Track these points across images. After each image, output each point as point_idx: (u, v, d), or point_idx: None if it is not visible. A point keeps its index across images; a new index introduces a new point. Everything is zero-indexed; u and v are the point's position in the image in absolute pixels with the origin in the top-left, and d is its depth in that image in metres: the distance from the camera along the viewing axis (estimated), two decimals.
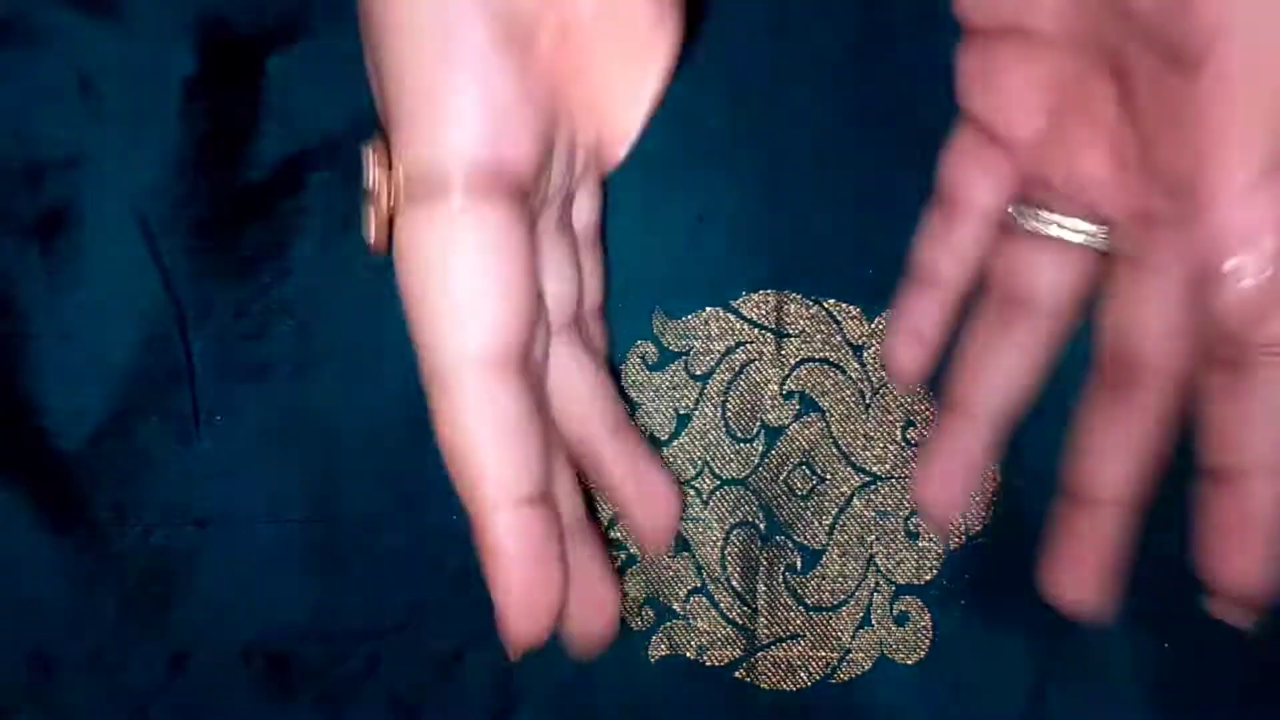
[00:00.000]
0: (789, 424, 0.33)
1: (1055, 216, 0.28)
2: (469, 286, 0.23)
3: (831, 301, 0.32)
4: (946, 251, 0.29)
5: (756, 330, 0.32)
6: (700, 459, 0.33)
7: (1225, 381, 0.26)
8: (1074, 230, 0.28)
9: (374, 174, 0.24)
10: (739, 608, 0.32)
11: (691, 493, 0.33)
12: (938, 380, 0.32)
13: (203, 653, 0.32)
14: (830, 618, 0.32)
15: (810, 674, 0.32)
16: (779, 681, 0.32)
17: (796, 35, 0.32)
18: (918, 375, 0.30)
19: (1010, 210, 0.29)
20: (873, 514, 0.32)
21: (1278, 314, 0.24)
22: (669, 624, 0.33)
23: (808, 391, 0.33)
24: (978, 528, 0.32)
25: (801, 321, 0.32)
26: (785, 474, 0.33)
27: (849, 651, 0.32)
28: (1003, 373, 0.30)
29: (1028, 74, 0.27)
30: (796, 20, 0.32)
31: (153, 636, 0.32)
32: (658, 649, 0.33)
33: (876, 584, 0.32)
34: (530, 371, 0.24)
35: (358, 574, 0.32)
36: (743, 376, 0.33)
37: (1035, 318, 0.29)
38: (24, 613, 0.32)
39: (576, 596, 0.26)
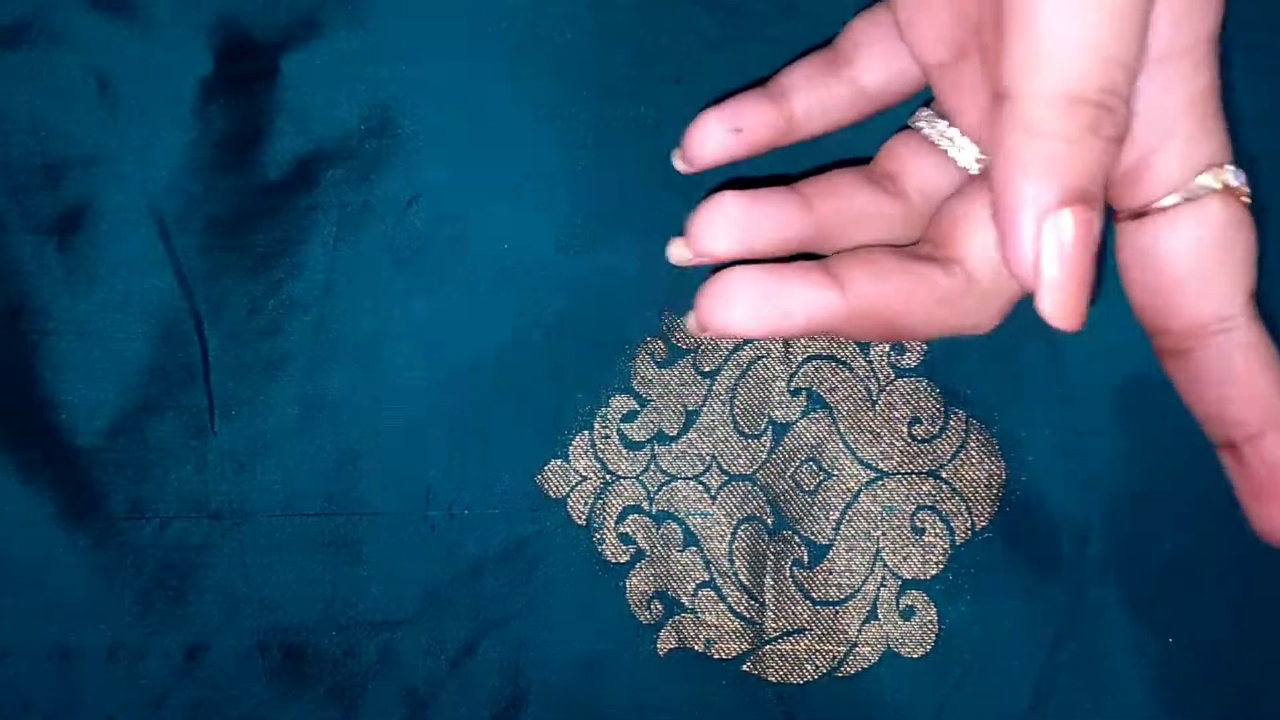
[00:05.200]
0: (796, 420, 0.33)
1: (952, 131, 0.26)
2: None
3: None
4: (807, 89, 0.27)
5: None
6: (708, 455, 0.33)
7: (1176, 367, 0.24)
8: (961, 149, 0.26)
9: None
10: (747, 601, 0.33)
11: (700, 488, 0.33)
12: (945, 379, 0.33)
13: (219, 644, 0.33)
14: (837, 611, 0.33)
15: (817, 667, 0.33)
16: (786, 674, 0.33)
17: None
18: (709, 158, 0.27)
19: (917, 115, 0.28)
20: (879, 509, 0.33)
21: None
22: (677, 617, 0.33)
23: (815, 388, 0.33)
24: (984, 522, 0.33)
25: None
26: (792, 469, 0.33)
27: (855, 645, 0.33)
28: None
29: (951, 6, 0.24)
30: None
31: (169, 628, 0.33)
32: (666, 642, 0.33)
33: (883, 578, 0.33)
34: None
35: (371, 566, 0.33)
36: (750, 373, 0.33)
37: (897, 200, 0.27)
38: (42, 605, 0.33)
39: None
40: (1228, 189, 0.22)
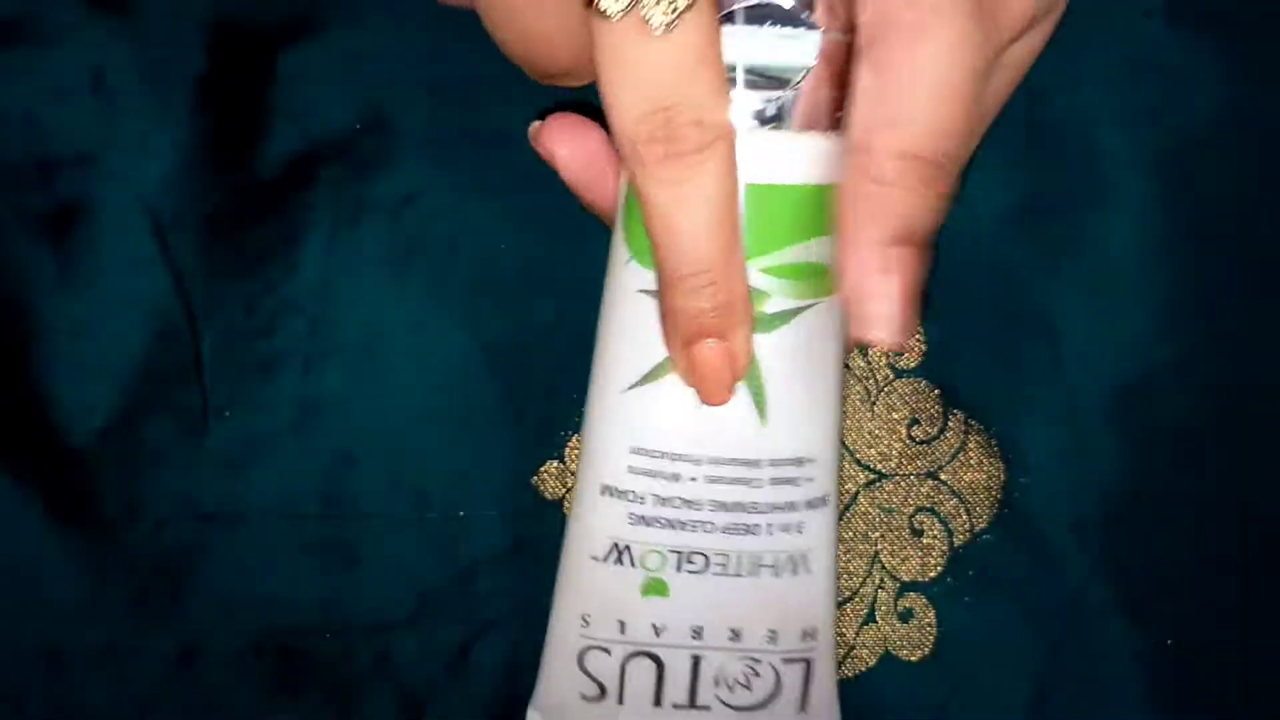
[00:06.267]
0: None
1: None
2: None
3: None
4: None
5: None
6: None
7: None
8: None
9: None
10: None
11: None
12: (944, 379, 0.33)
13: (212, 647, 0.33)
14: (835, 614, 0.32)
15: None
16: None
17: None
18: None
19: None
20: (877, 511, 0.33)
21: None
22: None
23: None
24: (983, 524, 0.32)
25: None
26: None
27: (853, 648, 0.32)
28: None
29: None
30: None
31: (163, 631, 0.32)
32: None
33: (881, 581, 0.33)
34: None
35: (367, 568, 0.32)
36: None
37: None
38: (34, 607, 0.32)
39: None
40: None
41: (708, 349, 0.24)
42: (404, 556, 0.32)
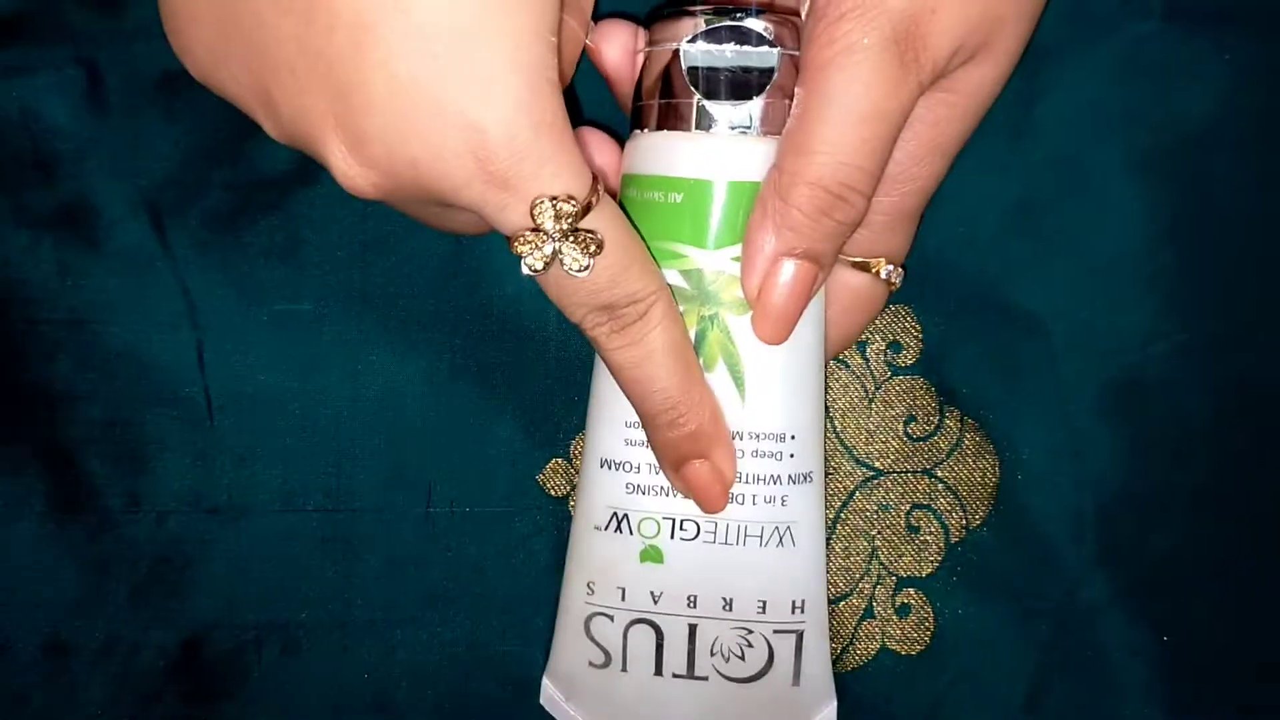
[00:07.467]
0: None
1: None
2: None
3: None
4: None
5: None
6: None
7: None
8: None
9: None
10: None
11: None
12: (941, 377, 0.33)
13: (214, 640, 0.33)
14: (833, 609, 0.33)
15: None
16: None
17: None
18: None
19: None
20: (875, 508, 0.33)
21: None
22: None
23: None
24: (979, 521, 0.33)
25: None
26: None
27: (852, 642, 0.33)
28: None
29: None
30: None
31: (165, 624, 0.32)
32: None
33: (879, 576, 0.33)
34: None
35: (371, 564, 0.33)
36: None
37: None
38: (37, 600, 0.32)
39: None
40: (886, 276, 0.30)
41: (694, 470, 0.27)
42: (409, 552, 0.32)
